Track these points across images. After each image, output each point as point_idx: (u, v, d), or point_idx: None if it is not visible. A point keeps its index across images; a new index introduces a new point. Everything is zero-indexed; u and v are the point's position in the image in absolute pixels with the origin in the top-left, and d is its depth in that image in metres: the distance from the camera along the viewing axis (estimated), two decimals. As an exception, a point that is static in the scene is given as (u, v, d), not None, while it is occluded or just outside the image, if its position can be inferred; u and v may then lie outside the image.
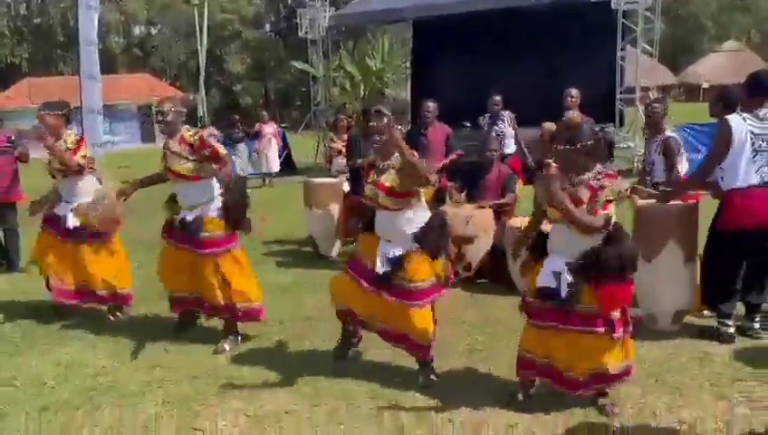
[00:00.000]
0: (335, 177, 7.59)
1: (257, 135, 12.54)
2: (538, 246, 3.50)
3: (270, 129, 12.68)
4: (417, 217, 3.66)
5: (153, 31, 39.60)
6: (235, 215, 4.35)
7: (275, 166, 12.82)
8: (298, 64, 30.27)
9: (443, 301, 3.86)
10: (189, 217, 4.30)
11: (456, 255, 5.60)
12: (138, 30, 39.95)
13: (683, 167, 5.11)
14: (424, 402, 3.54)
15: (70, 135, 4.90)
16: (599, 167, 3.25)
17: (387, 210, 3.68)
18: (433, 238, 3.63)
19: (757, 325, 4.29)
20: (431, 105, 6.53)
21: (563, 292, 3.21)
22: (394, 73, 30.06)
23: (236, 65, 36.57)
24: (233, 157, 11.56)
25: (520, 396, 3.49)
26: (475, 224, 5.53)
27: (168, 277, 4.57)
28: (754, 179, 4.00)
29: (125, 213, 4.83)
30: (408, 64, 22.80)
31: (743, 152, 3.97)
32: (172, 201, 4.49)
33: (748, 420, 3.23)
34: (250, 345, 4.47)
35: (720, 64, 36.39)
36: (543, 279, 3.32)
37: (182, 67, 36.88)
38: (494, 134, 7.44)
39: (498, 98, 7.69)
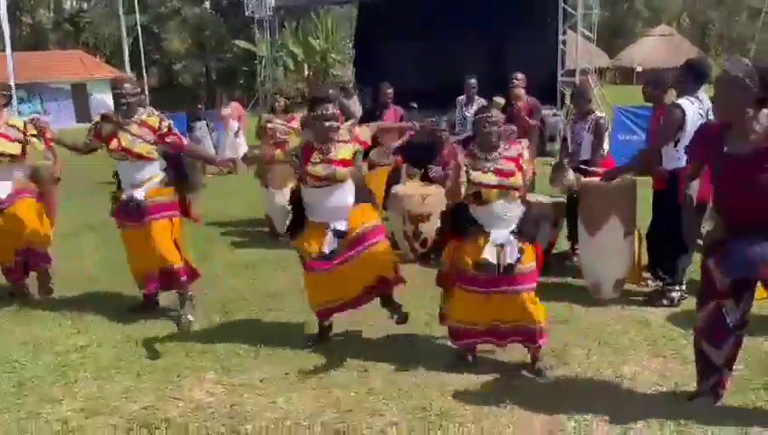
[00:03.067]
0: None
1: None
2: (456, 224, 3.76)
3: (226, 110, 12.18)
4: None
5: (85, 5, 38.15)
6: (189, 178, 4.62)
7: (242, 149, 11.75)
8: (241, 43, 30.01)
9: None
10: (139, 195, 4.37)
11: (413, 232, 5.87)
12: (69, 4, 38.44)
13: (606, 146, 5.59)
14: (391, 368, 3.77)
15: (13, 118, 4.89)
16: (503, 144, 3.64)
17: (338, 184, 3.84)
18: (365, 193, 4.01)
19: (684, 287, 4.72)
20: (389, 89, 6.74)
21: (511, 259, 3.49)
22: (338, 54, 30.09)
23: (175, 43, 35.72)
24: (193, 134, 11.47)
25: (470, 358, 3.79)
26: (430, 203, 5.78)
27: (135, 263, 4.59)
28: None
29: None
30: (351, 45, 22.84)
31: None
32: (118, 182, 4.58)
33: (680, 374, 3.60)
34: (218, 320, 4.61)
35: (652, 48, 37.76)
36: (489, 254, 3.53)
37: (118, 44, 35.71)
38: (460, 117, 7.65)
39: (473, 81, 7.70)
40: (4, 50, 12.67)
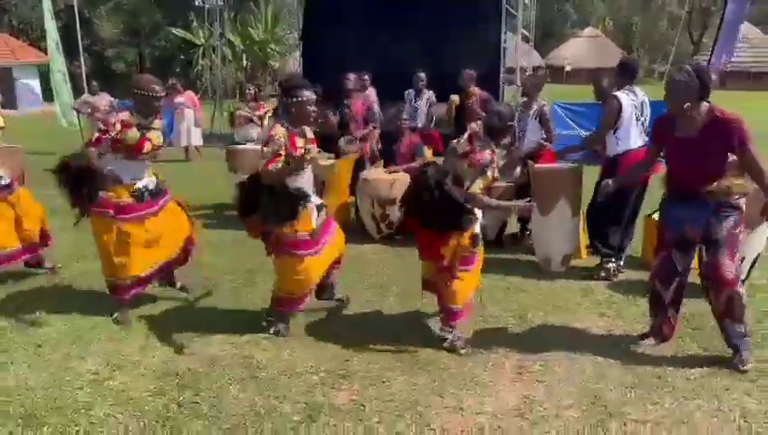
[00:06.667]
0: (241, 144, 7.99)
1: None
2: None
3: (181, 98, 12.24)
4: None
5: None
6: None
7: (195, 138, 12.52)
8: (178, 32, 29.61)
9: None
10: (152, 185, 4.49)
11: (381, 215, 6.38)
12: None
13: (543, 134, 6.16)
14: (378, 327, 4.30)
15: None
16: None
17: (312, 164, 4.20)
18: None
19: (621, 263, 5.42)
20: (352, 76, 7.19)
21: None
22: (277, 45, 30.06)
23: (108, 29, 34.80)
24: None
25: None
26: (397, 187, 6.29)
27: (129, 260, 4.33)
28: (640, 142, 5.06)
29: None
30: (294, 35, 22.95)
31: (631, 121, 5.01)
32: (113, 183, 4.31)
33: (622, 329, 4.29)
34: (208, 292, 5.00)
35: (580, 48, 39.63)
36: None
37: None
38: (410, 109, 8.18)
39: (422, 75, 8.27)
40: None
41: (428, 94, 8.46)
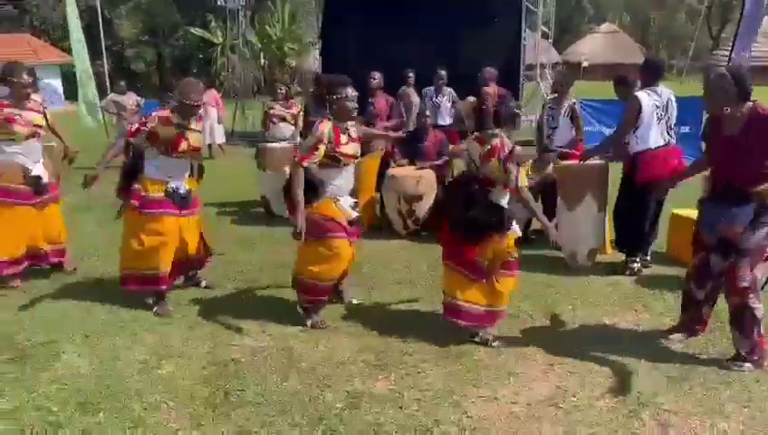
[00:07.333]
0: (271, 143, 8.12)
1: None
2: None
3: (204, 97, 12.49)
4: None
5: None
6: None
7: (218, 136, 12.78)
8: (197, 31, 29.90)
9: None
10: (182, 189, 4.59)
11: (407, 211, 6.48)
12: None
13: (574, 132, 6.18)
14: (408, 321, 4.42)
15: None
16: None
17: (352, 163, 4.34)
18: None
19: (648, 258, 5.50)
20: (377, 75, 7.31)
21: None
22: (294, 43, 30.26)
23: (127, 29, 35.20)
24: None
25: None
26: (423, 184, 6.41)
27: (163, 254, 4.52)
28: (660, 141, 5.11)
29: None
30: (312, 34, 23.09)
31: (651, 121, 5.05)
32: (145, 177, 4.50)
33: (650, 323, 4.37)
34: (243, 287, 5.15)
35: (597, 44, 39.43)
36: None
37: (67, 29, 34.83)
38: (431, 106, 8.27)
39: (443, 73, 8.38)
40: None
41: (449, 91, 8.55)
